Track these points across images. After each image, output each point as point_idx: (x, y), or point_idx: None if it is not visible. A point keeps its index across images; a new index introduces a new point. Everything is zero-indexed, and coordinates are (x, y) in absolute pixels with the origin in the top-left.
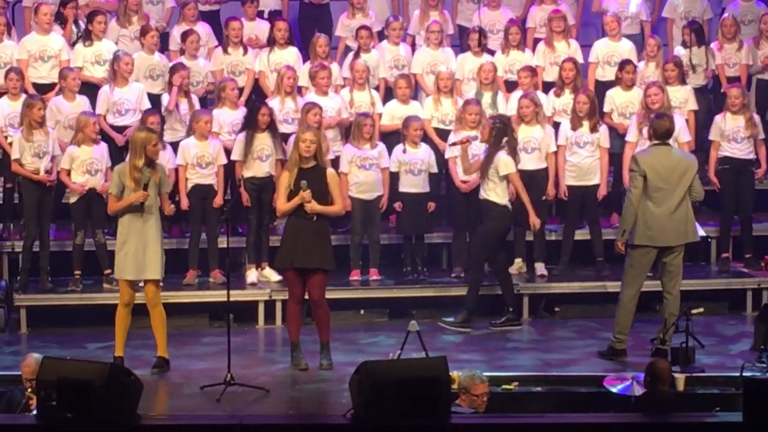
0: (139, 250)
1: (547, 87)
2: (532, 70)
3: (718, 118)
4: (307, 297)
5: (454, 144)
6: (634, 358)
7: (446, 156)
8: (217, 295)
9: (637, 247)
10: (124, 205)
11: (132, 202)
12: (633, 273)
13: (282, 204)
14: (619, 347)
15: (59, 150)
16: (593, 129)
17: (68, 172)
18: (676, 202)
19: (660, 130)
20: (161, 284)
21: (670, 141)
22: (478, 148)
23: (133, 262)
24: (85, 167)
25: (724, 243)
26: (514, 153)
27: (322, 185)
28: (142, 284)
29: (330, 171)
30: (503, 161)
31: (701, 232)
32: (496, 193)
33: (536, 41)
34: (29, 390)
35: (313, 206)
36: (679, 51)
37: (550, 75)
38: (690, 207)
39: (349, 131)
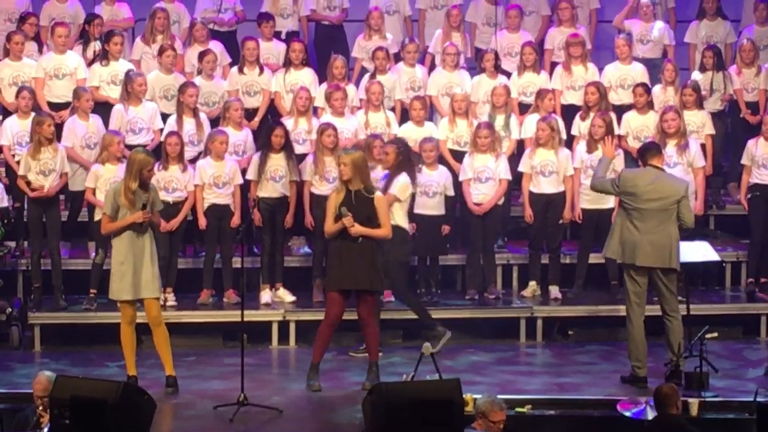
0: (136, 270)
1: (564, 110)
2: (549, 93)
3: (750, 143)
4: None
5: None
6: (652, 382)
7: (460, 178)
8: (231, 315)
9: (624, 268)
10: (121, 225)
11: (131, 222)
12: (630, 297)
13: (329, 226)
14: (639, 374)
15: (68, 167)
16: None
17: (93, 191)
18: (654, 225)
19: (647, 154)
20: (170, 303)
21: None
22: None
23: (131, 282)
24: (109, 185)
25: (752, 269)
26: (413, 178)
27: (368, 208)
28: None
29: (377, 194)
30: (400, 184)
31: (714, 257)
32: (399, 216)
33: (553, 64)
34: (40, 408)
35: (357, 229)
36: (697, 75)
37: (567, 98)
38: (676, 233)
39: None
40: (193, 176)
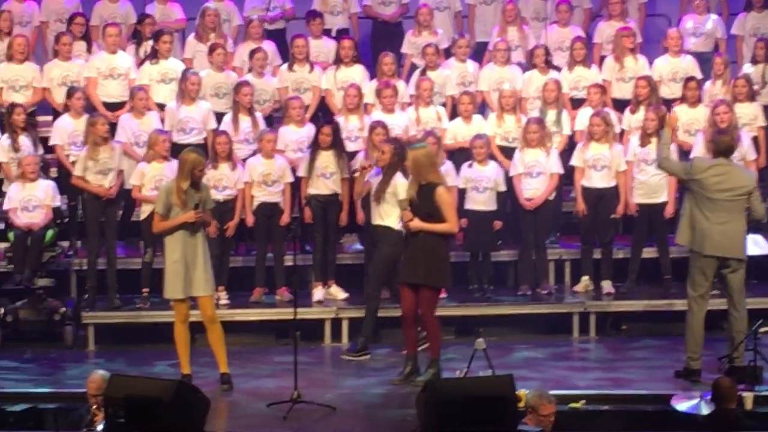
0: (189, 269)
1: (615, 104)
2: (601, 87)
3: None
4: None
5: (355, 171)
6: (705, 377)
7: (511, 174)
8: (284, 313)
9: (693, 259)
10: (173, 224)
11: (183, 221)
12: (695, 289)
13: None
14: (694, 367)
15: (126, 164)
16: None
17: (139, 188)
18: (725, 217)
19: (721, 147)
20: (226, 301)
21: (737, 158)
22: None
23: (183, 280)
24: (154, 183)
25: None
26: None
27: (430, 203)
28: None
29: (439, 188)
30: (401, 185)
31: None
32: (391, 218)
33: (603, 58)
34: (94, 406)
35: (415, 224)
36: (748, 68)
37: (617, 92)
38: (743, 225)
39: None
40: (242, 174)
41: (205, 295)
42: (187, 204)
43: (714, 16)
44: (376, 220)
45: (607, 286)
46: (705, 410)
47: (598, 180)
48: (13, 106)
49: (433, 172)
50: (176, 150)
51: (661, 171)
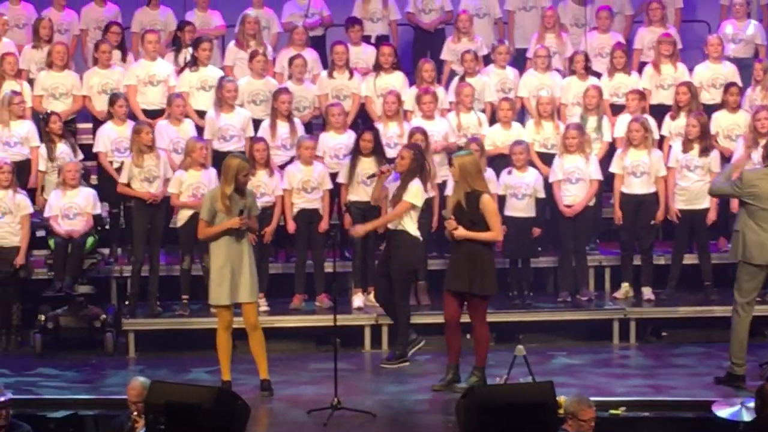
0: (234, 275)
1: (653, 110)
2: (641, 94)
3: None
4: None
5: (373, 176)
6: (748, 384)
7: (550, 180)
8: (324, 320)
9: (743, 266)
10: (218, 231)
11: (228, 228)
12: (742, 296)
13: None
14: (737, 373)
15: (171, 173)
16: (703, 153)
17: (177, 196)
18: None
19: None
20: (267, 308)
21: None
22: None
23: (229, 287)
24: (192, 191)
25: None
26: (426, 184)
27: (474, 211)
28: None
29: (484, 196)
30: (415, 190)
31: None
32: (410, 223)
33: (642, 64)
34: (134, 413)
35: (459, 233)
36: None
37: (656, 98)
38: None
39: None
40: (280, 181)
41: (250, 302)
42: (232, 210)
43: (754, 22)
44: (393, 226)
45: (647, 292)
46: (746, 417)
47: (638, 186)
48: (49, 114)
49: (479, 179)
50: (216, 158)
51: (713, 193)
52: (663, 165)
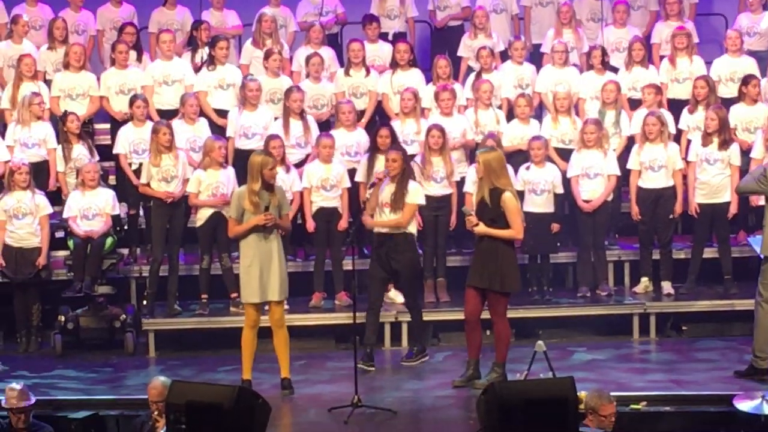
0: (263, 273)
1: (670, 104)
2: (657, 88)
3: None
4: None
5: (373, 184)
6: None
7: (568, 175)
8: (343, 318)
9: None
10: (245, 228)
11: (254, 225)
12: (767, 290)
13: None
14: (760, 366)
15: (189, 174)
16: (722, 146)
17: (196, 195)
18: None
19: None
20: (286, 306)
21: None
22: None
23: (258, 284)
24: (211, 191)
25: None
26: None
27: (495, 208)
28: (267, 307)
29: (506, 194)
30: (417, 190)
31: None
32: (412, 224)
33: (662, 58)
34: (156, 413)
35: (479, 229)
36: None
37: (672, 92)
38: None
39: (473, 152)
40: (297, 178)
41: (278, 300)
42: (260, 207)
43: None
44: (392, 230)
45: (667, 286)
46: (767, 410)
47: (656, 180)
48: (66, 114)
49: (504, 177)
50: (238, 156)
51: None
52: (680, 158)
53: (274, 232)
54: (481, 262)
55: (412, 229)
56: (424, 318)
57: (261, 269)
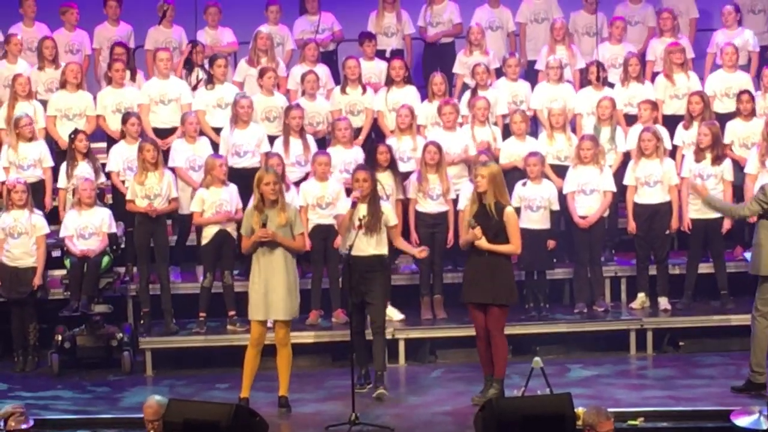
0: (268, 291)
1: (666, 120)
2: (653, 104)
3: None
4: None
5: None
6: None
7: (564, 191)
8: (340, 335)
9: (766, 279)
10: (248, 246)
11: (253, 241)
12: (765, 305)
13: (461, 238)
14: (758, 381)
15: (176, 192)
16: (715, 161)
17: (201, 214)
18: None
19: None
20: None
21: None
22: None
23: (262, 302)
24: (215, 209)
25: None
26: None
27: (498, 223)
28: (271, 325)
29: (508, 209)
30: (390, 211)
31: None
32: (383, 246)
33: (656, 74)
34: (151, 431)
35: (481, 244)
36: None
37: (669, 108)
38: None
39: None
40: (296, 196)
41: (281, 320)
42: (259, 223)
43: (747, 30)
44: (369, 251)
45: (663, 302)
46: (765, 425)
47: (652, 196)
48: (76, 132)
49: (505, 192)
50: (231, 174)
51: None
52: (675, 174)
53: (280, 249)
54: (482, 277)
55: (387, 250)
56: (422, 335)
57: (266, 287)
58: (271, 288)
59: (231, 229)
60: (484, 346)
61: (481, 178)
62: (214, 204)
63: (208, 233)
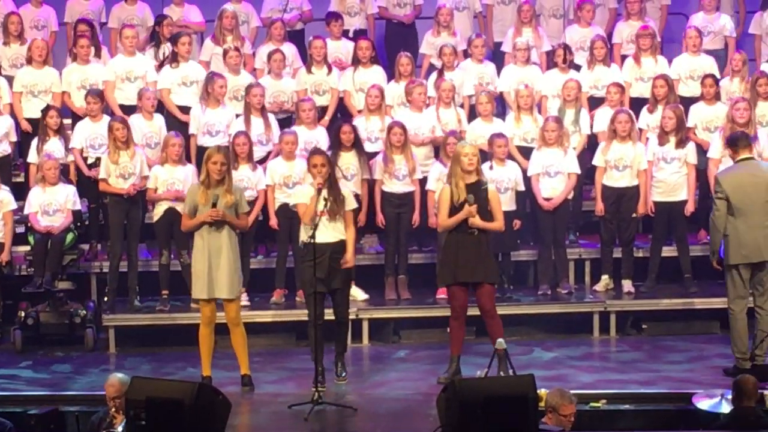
0: (212, 269)
1: (633, 103)
2: (621, 87)
3: None
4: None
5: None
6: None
7: (529, 174)
8: (304, 314)
9: (732, 267)
10: (194, 224)
11: (201, 221)
12: (735, 292)
13: (444, 219)
14: (744, 366)
15: (147, 170)
16: (679, 145)
17: (154, 191)
18: (763, 218)
19: (738, 145)
20: (247, 303)
21: (755, 155)
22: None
23: (206, 281)
24: (167, 187)
25: None
26: None
27: (485, 201)
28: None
29: (491, 187)
30: (350, 197)
31: None
32: (343, 231)
33: (623, 57)
34: (113, 409)
35: (476, 221)
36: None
37: (636, 91)
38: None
39: (438, 149)
40: (263, 175)
41: (229, 298)
42: (209, 202)
43: (724, 14)
44: (334, 237)
45: (627, 285)
46: (726, 408)
47: (620, 179)
48: (48, 108)
49: (481, 171)
50: (202, 153)
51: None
52: (645, 158)
53: (227, 229)
54: (470, 256)
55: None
56: (386, 315)
57: (209, 265)
58: (216, 266)
59: (180, 208)
60: (458, 325)
61: (473, 156)
62: (166, 182)
63: (158, 210)
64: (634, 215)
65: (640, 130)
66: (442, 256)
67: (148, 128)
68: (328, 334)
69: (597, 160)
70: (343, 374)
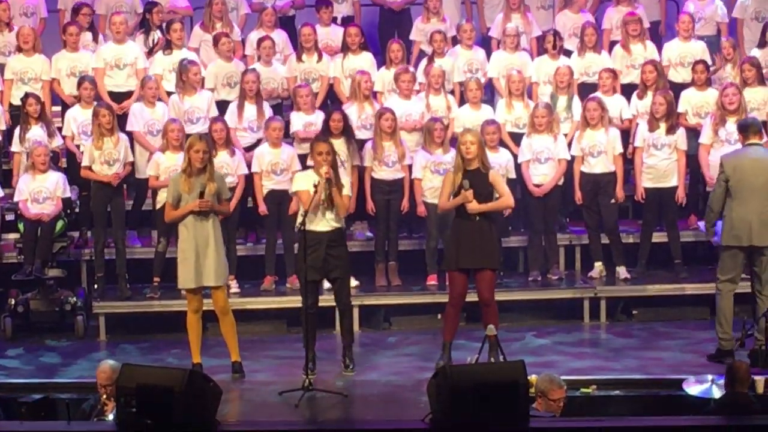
0: (199, 258)
1: (623, 89)
2: (613, 72)
3: None
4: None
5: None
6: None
7: (519, 160)
8: (295, 301)
9: (725, 249)
10: (181, 213)
11: (189, 210)
12: (724, 273)
13: (443, 203)
14: (726, 348)
15: (132, 156)
16: (670, 130)
17: (156, 178)
18: (763, 202)
19: (748, 131)
20: (237, 290)
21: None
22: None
23: (193, 270)
24: (169, 173)
25: None
26: None
27: (485, 186)
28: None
29: (493, 171)
30: (347, 182)
31: None
32: (341, 219)
33: (612, 43)
34: (104, 396)
35: (473, 206)
36: (756, 51)
37: (627, 78)
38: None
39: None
40: (242, 161)
41: (217, 285)
42: (192, 191)
43: (717, 0)
44: (331, 224)
45: (622, 271)
46: (717, 394)
47: (596, 166)
48: (26, 96)
49: (486, 155)
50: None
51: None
52: (620, 143)
53: (212, 217)
54: (473, 242)
55: (343, 222)
56: (376, 302)
57: (197, 254)
58: (203, 254)
59: None
60: (454, 313)
61: (471, 144)
62: (168, 169)
63: (162, 198)
64: (613, 201)
65: (633, 116)
66: (445, 242)
67: (151, 116)
68: (320, 321)
69: (573, 150)
70: (351, 366)
